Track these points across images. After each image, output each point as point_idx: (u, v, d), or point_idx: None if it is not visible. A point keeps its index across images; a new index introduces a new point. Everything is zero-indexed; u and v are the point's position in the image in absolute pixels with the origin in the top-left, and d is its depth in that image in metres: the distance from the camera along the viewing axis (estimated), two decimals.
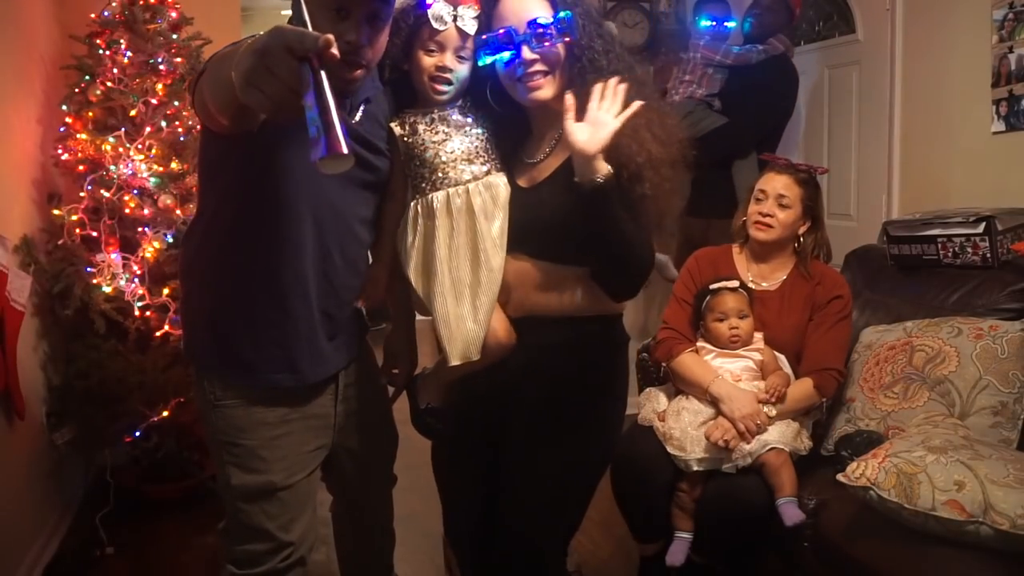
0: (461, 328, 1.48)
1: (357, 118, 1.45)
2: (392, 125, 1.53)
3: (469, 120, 1.53)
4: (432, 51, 1.47)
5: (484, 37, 1.47)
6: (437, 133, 1.51)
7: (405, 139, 1.52)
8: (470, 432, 1.66)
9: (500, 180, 1.53)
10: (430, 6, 1.44)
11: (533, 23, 1.43)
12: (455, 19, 1.45)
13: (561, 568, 1.68)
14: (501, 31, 1.45)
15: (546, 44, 1.43)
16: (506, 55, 1.45)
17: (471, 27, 1.46)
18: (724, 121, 3.31)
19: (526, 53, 1.44)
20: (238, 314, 1.48)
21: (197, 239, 1.54)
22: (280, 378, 1.49)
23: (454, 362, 1.49)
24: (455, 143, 1.51)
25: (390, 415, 1.77)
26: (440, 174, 1.50)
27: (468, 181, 1.50)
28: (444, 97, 1.50)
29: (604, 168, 1.36)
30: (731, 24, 3.44)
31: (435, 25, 1.44)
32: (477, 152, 1.52)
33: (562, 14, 1.44)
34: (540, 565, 1.59)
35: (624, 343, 1.64)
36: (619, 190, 1.38)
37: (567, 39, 1.45)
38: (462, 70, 1.49)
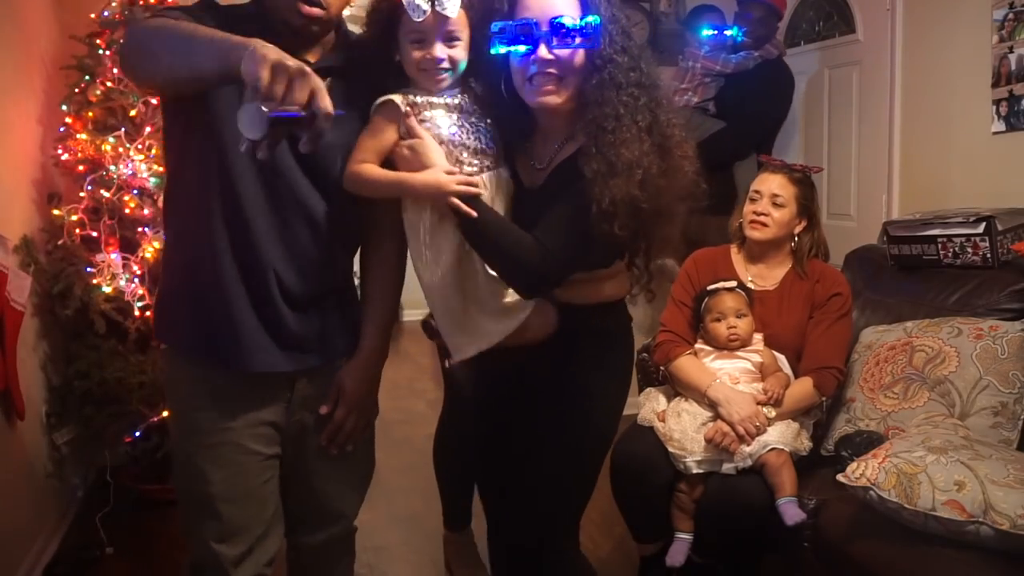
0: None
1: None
2: (393, 97, 1.40)
3: (475, 109, 1.44)
4: (418, 42, 1.38)
5: (502, 25, 1.37)
6: (446, 119, 1.41)
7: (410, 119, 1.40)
8: (491, 399, 1.66)
9: (507, 177, 1.48)
10: None
11: (557, 22, 1.34)
12: (433, 4, 1.34)
13: (572, 546, 1.65)
14: (524, 21, 1.36)
15: (567, 48, 1.36)
16: (521, 49, 1.37)
17: (453, 9, 1.35)
18: (722, 125, 3.36)
19: (542, 52, 1.36)
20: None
21: (164, 221, 1.51)
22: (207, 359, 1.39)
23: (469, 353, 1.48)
24: (468, 132, 1.42)
25: (367, 450, 1.59)
26: (456, 164, 1.41)
27: (485, 171, 1.43)
28: (444, 84, 1.41)
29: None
30: (730, 33, 3.49)
31: (413, 16, 1.34)
32: (487, 141, 1.44)
33: (590, 19, 1.35)
34: (549, 543, 1.58)
35: (624, 328, 1.62)
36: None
37: (589, 46, 1.36)
38: (456, 53, 1.39)
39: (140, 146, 2.74)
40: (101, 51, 2.78)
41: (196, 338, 1.40)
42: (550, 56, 1.36)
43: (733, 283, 2.18)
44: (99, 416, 2.73)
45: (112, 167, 2.71)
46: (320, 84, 1.09)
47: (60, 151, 2.74)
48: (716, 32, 3.49)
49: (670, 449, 2.04)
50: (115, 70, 2.76)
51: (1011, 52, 2.60)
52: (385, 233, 1.50)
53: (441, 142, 1.40)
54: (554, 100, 1.40)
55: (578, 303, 1.50)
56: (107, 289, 2.68)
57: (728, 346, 2.15)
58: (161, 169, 2.73)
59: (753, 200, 2.26)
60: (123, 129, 2.74)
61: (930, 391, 2.07)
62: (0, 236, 2.31)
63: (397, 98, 1.40)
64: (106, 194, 2.71)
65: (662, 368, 2.30)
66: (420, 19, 1.34)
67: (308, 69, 1.09)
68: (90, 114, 2.76)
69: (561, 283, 1.46)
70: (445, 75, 1.40)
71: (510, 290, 1.46)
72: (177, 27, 1.22)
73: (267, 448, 1.44)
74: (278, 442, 1.46)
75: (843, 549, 1.83)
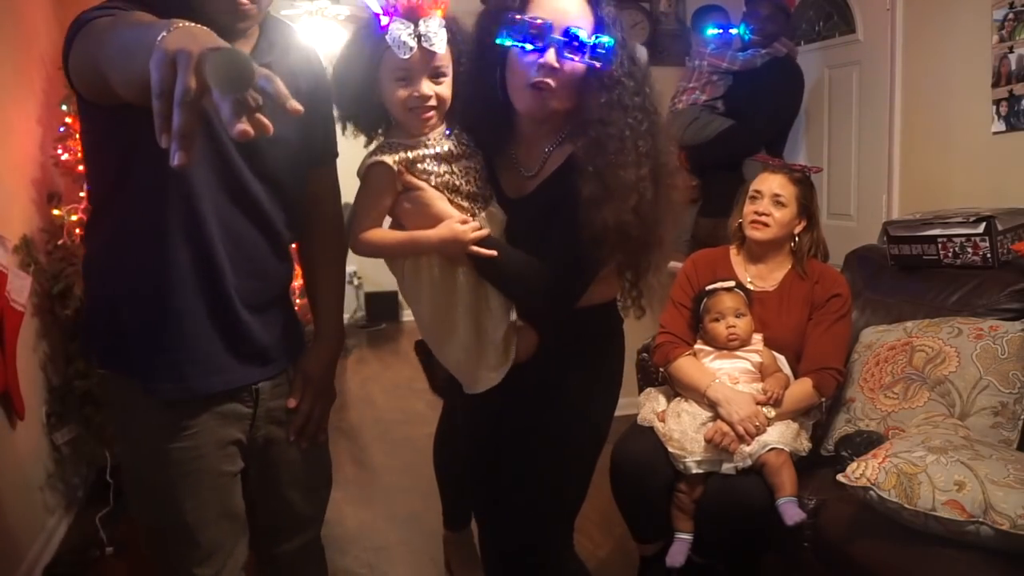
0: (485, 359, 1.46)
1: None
2: (385, 159, 1.37)
3: (465, 149, 1.42)
4: (404, 80, 1.33)
5: (517, 18, 1.34)
6: (438, 167, 1.39)
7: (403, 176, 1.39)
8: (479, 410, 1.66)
9: (498, 210, 1.47)
10: (387, 28, 1.28)
11: (573, 32, 1.33)
12: (420, 40, 1.29)
13: (567, 547, 1.64)
14: (538, 20, 1.33)
15: (575, 60, 1.34)
16: (529, 47, 1.34)
17: (440, 44, 1.31)
18: (731, 123, 3.35)
19: (550, 57, 1.33)
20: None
21: (91, 229, 1.37)
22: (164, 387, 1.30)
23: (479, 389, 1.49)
24: (459, 176, 1.41)
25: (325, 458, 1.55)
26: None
27: (479, 212, 1.43)
28: (432, 123, 1.38)
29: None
30: (736, 31, 3.48)
31: (399, 53, 1.28)
32: (479, 181, 1.44)
33: (605, 39, 1.34)
34: (543, 546, 1.58)
35: (614, 330, 1.61)
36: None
37: (597, 65, 1.34)
38: (442, 91, 1.35)
39: None
40: None
41: (152, 363, 1.29)
42: (556, 64, 1.34)
43: (731, 283, 2.19)
44: (99, 416, 2.73)
45: None
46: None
47: (60, 151, 2.75)
48: (721, 31, 3.49)
49: (670, 449, 2.04)
50: None
51: (1011, 52, 2.60)
52: (328, 221, 1.49)
53: (457, 185, 1.40)
54: (544, 110, 1.40)
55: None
56: None
57: (727, 346, 2.15)
58: None
59: (753, 200, 2.26)
60: None
61: (930, 391, 2.07)
62: (0, 236, 2.31)
63: (388, 160, 1.36)
64: None
65: (662, 369, 2.30)
66: (407, 56, 1.29)
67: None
68: None
69: (583, 294, 1.46)
70: (432, 113, 1.36)
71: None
72: (112, 36, 1.04)
73: (234, 466, 1.38)
74: (241, 457, 1.40)
75: (843, 549, 1.83)
